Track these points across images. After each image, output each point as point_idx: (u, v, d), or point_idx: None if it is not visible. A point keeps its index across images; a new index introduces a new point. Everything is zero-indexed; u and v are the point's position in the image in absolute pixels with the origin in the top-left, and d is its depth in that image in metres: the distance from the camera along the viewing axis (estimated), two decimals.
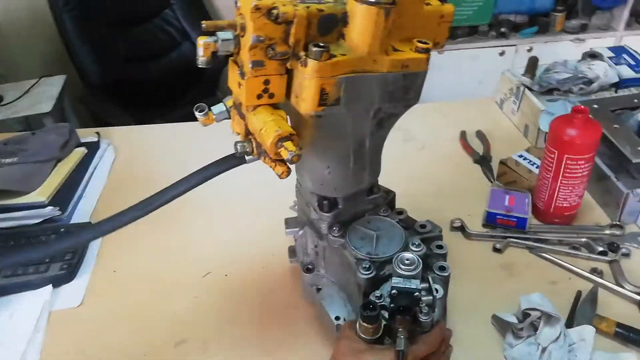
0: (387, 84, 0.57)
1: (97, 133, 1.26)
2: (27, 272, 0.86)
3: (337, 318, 0.68)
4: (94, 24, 1.81)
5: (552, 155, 0.84)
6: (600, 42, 2.07)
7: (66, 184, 1.07)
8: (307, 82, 0.51)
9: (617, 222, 0.89)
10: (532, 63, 1.16)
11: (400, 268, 0.59)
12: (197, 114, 0.60)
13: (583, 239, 0.87)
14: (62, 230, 0.94)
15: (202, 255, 0.91)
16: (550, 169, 0.85)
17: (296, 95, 0.54)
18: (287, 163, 0.52)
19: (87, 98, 1.76)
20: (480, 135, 1.16)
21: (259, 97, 0.53)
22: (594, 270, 0.82)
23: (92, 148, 1.19)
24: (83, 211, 1.03)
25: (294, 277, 0.83)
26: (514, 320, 0.72)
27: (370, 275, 0.62)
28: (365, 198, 0.70)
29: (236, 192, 1.01)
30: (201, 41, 0.50)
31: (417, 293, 0.58)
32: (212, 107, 0.60)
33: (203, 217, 0.99)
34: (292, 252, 0.80)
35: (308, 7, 0.50)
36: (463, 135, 1.16)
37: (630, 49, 1.16)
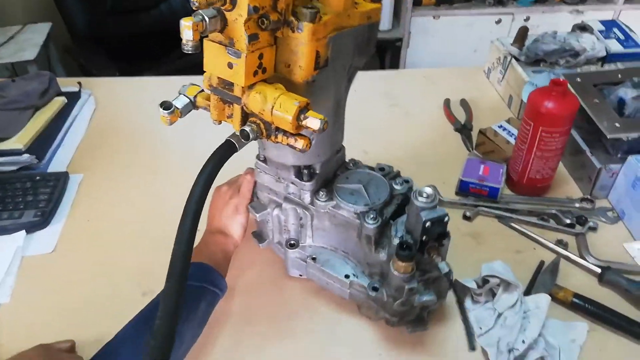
0: (357, 37, 0.58)
1: (79, 83, 1.24)
2: (2, 218, 0.86)
3: (347, 276, 0.69)
4: None
5: (528, 127, 0.84)
6: (599, 15, 2.03)
7: (44, 132, 1.07)
8: (303, 47, 0.50)
9: (588, 197, 0.90)
10: (522, 33, 1.14)
11: (420, 201, 0.60)
12: (163, 112, 0.55)
13: (552, 211, 0.88)
14: (37, 178, 0.94)
15: (175, 210, 0.91)
16: (525, 140, 0.85)
17: (287, 65, 0.52)
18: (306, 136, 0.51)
19: (73, 48, 1.73)
20: (464, 104, 1.15)
21: (255, 74, 0.50)
22: (559, 242, 0.83)
23: (73, 98, 1.18)
24: (60, 160, 1.03)
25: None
26: (473, 285, 0.73)
27: (379, 224, 0.63)
28: (334, 157, 0.70)
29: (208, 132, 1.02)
30: (188, 22, 0.43)
31: (446, 218, 0.60)
32: (173, 101, 0.57)
33: (178, 172, 0.99)
34: (259, 236, 0.78)
35: None
36: (447, 103, 1.16)
37: (622, 23, 1.14)
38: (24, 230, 0.85)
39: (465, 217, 0.89)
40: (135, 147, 1.07)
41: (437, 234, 0.61)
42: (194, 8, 0.44)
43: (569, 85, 0.81)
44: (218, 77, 0.52)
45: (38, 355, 0.60)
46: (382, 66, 2.24)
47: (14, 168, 0.98)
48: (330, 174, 0.71)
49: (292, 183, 0.69)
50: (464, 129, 1.08)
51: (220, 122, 0.56)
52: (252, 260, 0.81)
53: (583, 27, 1.10)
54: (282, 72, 0.53)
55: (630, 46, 1.05)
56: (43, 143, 1.04)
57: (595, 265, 0.79)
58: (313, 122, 0.49)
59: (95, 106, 1.19)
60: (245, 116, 0.53)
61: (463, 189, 0.91)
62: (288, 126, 0.49)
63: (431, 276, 0.64)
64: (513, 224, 0.87)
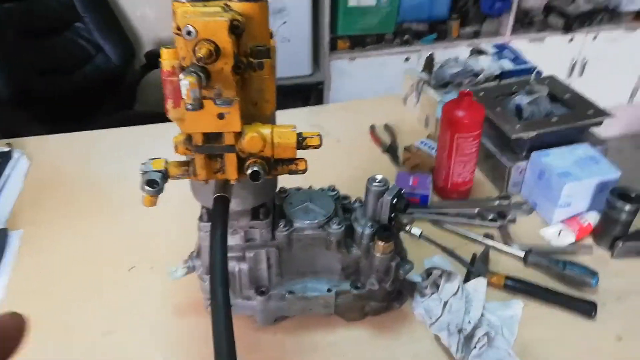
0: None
1: (9, 144, 1.22)
2: None
3: (329, 290, 0.73)
4: (1, 39, 1.74)
5: (445, 136, 0.95)
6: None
7: None
8: (268, 81, 0.53)
9: (504, 194, 1.02)
10: (429, 61, 1.29)
11: (377, 186, 0.69)
12: (149, 190, 0.55)
13: (476, 210, 0.98)
14: None
15: (120, 250, 0.93)
16: (445, 147, 0.96)
17: (254, 103, 0.55)
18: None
19: None
20: (387, 128, 1.27)
21: (241, 117, 0.52)
22: (486, 235, 0.93)
23: (4, 157, 1.16)
24: None
25: None
26: (419, 279, 0.80)
27: (343, 227, 0.70)
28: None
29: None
30: (186, 81, 0.45)
31: (402, 190, 0.70)
32: (151, 186, 0.55)
33: (116, 215, 1.01)
34: None
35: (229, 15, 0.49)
36: (372, 128, 1.26)
37: (511, 47, 1.32)
38: None
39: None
40: (73, 198, 1.06)
41: (403, 206, 0.70)
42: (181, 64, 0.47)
43: (474, 98, 0.93)
44: (202, 135, 0.53)
45: None
46: None
47: None
48: (274, 209, 0.74)
49: (251, 227, 0.70)
50: (390, 149, 1.18)
51: (207, 181, 0.57)
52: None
53: (479, 51, 1.26)
54: (251, 112, 0.56)
55: (520, 64, 1.23)
56: None
57: (519, 250, 0.89)
58: (314, 140, 0.54)
59: (29, 163, 1.17)
60: (240, 161, 0.55)
61: None
62: (291, 153, 0.53)
63: (399, 249, 0.74)
64: (445, 226, 0.96)
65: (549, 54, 2.37)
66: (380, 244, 0.69)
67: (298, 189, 0.78)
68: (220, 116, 0.51)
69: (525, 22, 2.39)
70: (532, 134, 0.96)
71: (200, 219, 0.70)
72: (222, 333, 0.44)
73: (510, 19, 2.30)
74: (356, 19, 2.13)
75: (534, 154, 0.97)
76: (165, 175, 0.56)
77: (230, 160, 0.54)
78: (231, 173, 0.55)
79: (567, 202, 0.92)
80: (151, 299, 0.83)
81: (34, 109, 1.71)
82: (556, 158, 0.95)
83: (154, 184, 0.54)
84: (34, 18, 1.85)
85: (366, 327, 0.78)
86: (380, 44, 2.25)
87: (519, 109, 1.03)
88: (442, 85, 1.22)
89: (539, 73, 1.18)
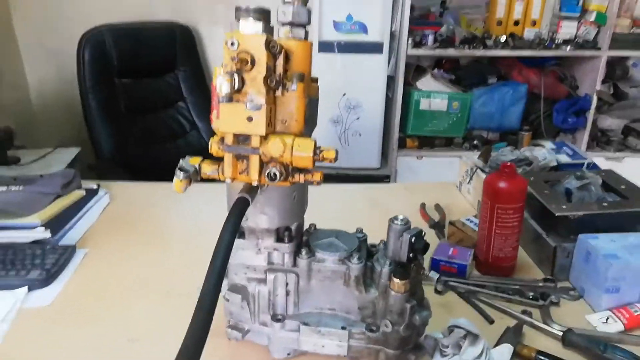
0: (312, 106, 0.70)
1: (98, 184, 1.40)
2: (9, 275, 0.94)
3: (344, 328, 0.74)
4: (114, 107, 2.06)
5: (486, 206, 0.96)
6: None
7: (61, 214, 1.19)
8: (298, 102, 0.62)
9: (550, 277, 0.97)
10: (486, 150, 1.33)
11: (398, 225, 0.71)
12: (179, 174, 0.61)
13: (517, 287, 0.95)
14: (47, 247, 1.04)
15: (166, 275, 1.00)
16: (485, 218, 0.97)
17: (283, 121, 0.63)
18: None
19: (96, 165, 1.94)
20: (438, 207, 1.29)
21: (269, 125, 0.60)
22: (524, 312, 0.89)
23: (91, 193, 1.33)
24: (70, 238, 1.13)
25: None
26: (440, 336, 0.78)
27: (363, 263, 0.72)
28: (302, 221, 0.78)
29: (199, 222, 1.19)
30: (221, 78, 0.55)
31: (422, 232, 0.72)
32: (182, 170, 0.62)
33: (174, 251, 1.11)
34: (237, 327, 0.79)
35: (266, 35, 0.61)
36: (422, 206, 1.29)
37: (571, 144, 1.33)
38: (26, 287, 0.93)
39: (437, 291, 0.95)
40: (135, 231, 1.19)
41: (422, 246, 0.71)
42: (223, 71, 0.56)
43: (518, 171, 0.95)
44: (234, 135, 0.61)
45: None
46: None
47: (28, 240, 1.08)
48: (299, 237, 0.78)
49: (275, 249, 0.74)
50: (437, 225, 1.19)
51: (233, 180, 0.63)
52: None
53: (536, 144, 1.29)
54: (280, 129, 0.64)
55: (578, 158, 1.23)
56: (58, 222, 1.15)
57: (558, 330, 0.84)
58: (329, 153, 0.60)
59: (109, 201, 1.33)
60: (262, 165, 0.62)
61: (434, 267, 1.00)
62: (308, 162, 0.60)
63: (418, 296, 0.73)
64: (481, 298, 0.93)
65: (628, 175, 2.29)
66: (396, 280, 0.69)
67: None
68: (249, 119, 0.59)
69: (602, 141, 2.37)
70: (579, 213, 0.94)
71: None
72: (202, 318, 0.50)
73: (585, 136, 2.29)
74: (426, 121, 2.26)
75: (581, 236, 0.94)
76: (198, 171, 0.64)
77: (254, 162, 0.61)
78: (253, 174, 0.62)
79: (615, 286, 0.87)
80: (181, 318, 0.86)
81: (129, 167, 1.94)
82: (605, 241, 0.91)
83: (184, 170, 0.62)
84: (145, 94, 2.18)
85: None
86: (449, 147, 2.32)
87: (568, 192, 1.02)
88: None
89: (595, 166, 1.17)
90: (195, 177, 0.64)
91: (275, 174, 0.61)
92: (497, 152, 1.28)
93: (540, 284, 0.96)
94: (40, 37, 2.44)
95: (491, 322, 0.86)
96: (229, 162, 0.62)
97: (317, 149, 0.61)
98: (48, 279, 0.95)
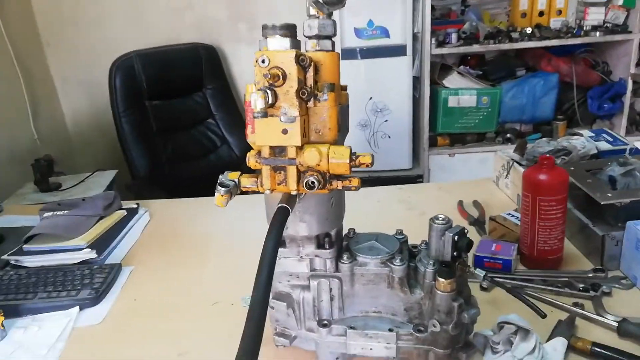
0: (344, 113, 0.71)
1: (137, 204, 1.44)
2: (60, 296, 0.98)
3: (391, 330, 0.73)
4: (146, 128, 2.12)
5: (527, 200, 0.94)
6: None
7: (105, 235, 1.23)
8: (330, 111, 0.63)
9: (600, 267, 0.94)
10: (522, 143, 1.30)
11: (439, 224, 0.70)
12: (220, 189, 0.63)
13: (565, 279, 0.92)
14: (95, 267, 1.07)
15: (210, 288, 1.01)
16: (527, 212, 0.94)
17: (317, 131, 0.64)
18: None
19: (133, 186, 1.99)
20: (476, 203, 1.27)
21: (303, 136, 0.61)
22: (575, 304, 0.86)
23: (132, 212, 1.37)
24: (116, 257, 1.16)
25: None
26: (490, 333, 0.76)
27: (406, 264, 0.72)
28: (341, 227, 0.79)
29: (238, 233, 1.19)
30: (255, 95, 0.56)
31: (465, 230, 0.70)
32: (223, 186, 0.64)
33: (216, 267, 1.12)
34: (284, 335, 0.79)
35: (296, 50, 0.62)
36: (460, 203, 1.27)
37: (610, 131, 1.29)
38: (77, 306, 0.96)
39: (482, 289, 0.93)
40: (177, 247, 1.21)
41: (466, 244, 0.70)
42: (256, 88, 0.58)
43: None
44: (270, 148, 0.62)
45: None
46: None
47: (77, 261, 1.11)
48: (339, 243, 0.78)
49: (316, 256, 0.74)
50: (477, 222, 1.17)
51: (272, 191, 0.65)
52: None
53: (574, 133, 1.25)
54: (314, 138, 0.65)
55: (618, 144, 1.19)
56: (103, 243, 1.19)
57: (614, 320, 0.81)
58: (365, 158, 0.61)
59: (150, 219, 1.36)
60: (299, 174, 0.63)
61: (478, 264, 0.98)
62: (345, 169, 0.60)
63: (465, 294, 0.72)
64: (529, 292, 0.91)
65: None
66: (442, 280, 0.68)
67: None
68: (284, 132, 0.60)
69: None
70: (626, 201, 0.91)
71: None
72: (253, 328, 0.49)
73: (623, 121, 2.22)
74: (456, 118, 2.23)
75: (629, 223, 0.90)
76: (237, 185, 0.65)
77: (291, 172, 0.62)
78: (291, 184, 0.63)
79: None
80: (228, 329, 0.88)
81: (165, 185, 1.99)
82: None
83: (225, 186, 0.63)
84: (175, 114, 2.23)
85: None
86: (481, 142, 2.28)
87: (612, 180, 0.99)
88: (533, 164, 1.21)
89: (637, 150, 1.13)
90: (236, 191, 0.65)
91: (313, 183, 0.62)
92: (532, 144, 1.26)
93: (590, 275, 0.93)
94: (73, 69, 2.55)
95: (543, 316, 0.84)
96: (267, 174, 0.63)
97: (352, 155, 0.62)
98: (98, 297, 0.98)
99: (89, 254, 1.13)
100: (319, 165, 0.62)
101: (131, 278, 1.07)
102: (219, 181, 0.64)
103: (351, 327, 0.75)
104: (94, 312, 0.96)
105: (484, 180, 1.42)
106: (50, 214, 1.25)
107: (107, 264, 1.12)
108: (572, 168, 1.06)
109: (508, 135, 2.23)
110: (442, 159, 2.27)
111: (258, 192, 0.66)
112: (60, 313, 0.95)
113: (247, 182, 0.66)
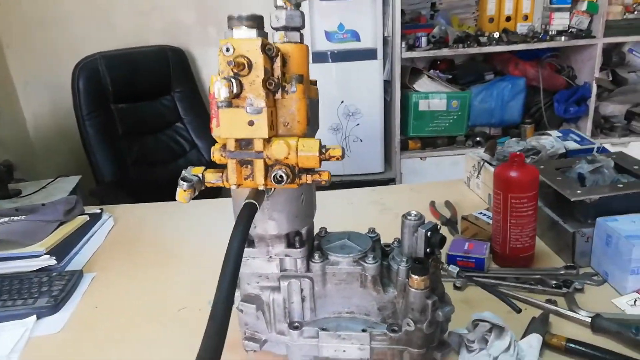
0: (313, 107, 0.68)
1: (101, 209, 1.38)
2: (16, 304, 0.92)
3: (364, 330, 0.71)
4: (112, 132, 2.05)
5: (499, 197, 0.93)
6: None
7: (65, 241, 1.17)
8: (299, 103, 0.60)
9: (571, 264, 0.94)
10: (491, 144, 1.31)
11: (412, 220, 0.68)
12: (183, 184, 0.59)
13: (538, 276, 0.92)
14: (54, 274, 1.01)
15: (177, 293, 0.97)
16: (499, 210, 0.94)
17: (285, 124, 0.62)
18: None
19: (97, 191, 1.92)
20: (448, 204, 1.26)
21: (271, 128, 0.58)
22: (548, 301, 0.86)
23: (95, 218, 1.31)
24: (77, 263, 1.11)
25: None
26: (465, 332, 0.75)
27: (379, 262, 0.70)
28: (311, 225, 0.76)
29: (206, 238, 1.16)
30: (219, 83, 0.54)
31: (438, 225, 0.69)
32: (185, 180, 0.60)
33: (182, 272, 1.07)
34: (254, 339, 0.76)
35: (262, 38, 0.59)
36: (432, 204, 1.27)
37: (577, 131, 1.31)
38: (35, 315, 0.90)
39: (456, 287, 0.92)
40: (141, 253, 1.16)
41: (439, 239, 0.68)
42: (220, 77, 0.55)
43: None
44: (235, 141, 0.59)
45: None
46: None
47: (35, 268, 1.05)
48: (311, 242, 0.76)
49: (286, 255, 0.72)
50: (449, 222, 1.17)
51: (239, 186, 0.61)
52: None
53: (542, 133, 1.27)
54: (282, 132, 0.62)
55: (586, 144, 1.20)
56: (63, 249, 1.13)
57: (586, 316, 0.80)
58: (335, 150, 0.58)
59: (114, 224, 1.31)
60: (267, 168, 0.60)
61: (450, 263, 0.97)
62: (314, 162, 0.58)
63: (439, 291, 0.71)
64: (502, 290, 0.90)
65: None
66: (415, 277, 0.67)
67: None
68: (251, 123, 0.57)
69: (605, 127, 2.35)
70: (595, 197, 0.91)
71: None
72: (216, 326, 0.47)
73: (589, 124, 2.27)
74: (427, 122, 2.24)
75: (599, 220, 0.91)
76: (202, 180, 0.62)
77: (258, 166, 0.60)
78: (259, 178, 0.60)
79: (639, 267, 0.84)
80: (195, 335, 0.84)
81: (131, 190, 1.92)
82: (625, 223, 0.88)
83: (187, 180, 0.60)
84: (142, 118, 2.17)
85: None
86: (452, 146, 2.30)
87: (581, 177, 1.00)
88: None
89: (605, 149, 1.15)
90: (200, 186, 0.62)
91: (281, 176, 0.59)
92: (502, 145, 1.26)
93: (562, 272, 0.93)
94: (34, 71, 2.46)
95: (518, 311, 0.82)
96: (233, 169, 0.60)
97: (322, 148, 0.59)
98: (56, 305, 0.93)
99: (48, 261, 1.07)
100: (287, 158, 0.59)
101: (93, 285, 1.02)
102: (181, 176, 0.61)
103: (323, 329, 0.72)
104: (52, 321, 0.90)
105: (455, 182, 1.42)
106: (6, 219, 1.19)
107: (67, 270, 1.06)
108: (542, 166, 1.07)
109: (478, 138, 2.26)
110: (413, 163, 2.28)
111: (228, 196, 0.64)
112: (16, 322, 0.89)
113: (211, 177, 0.63)
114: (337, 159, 0.60)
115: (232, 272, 0.51)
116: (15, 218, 1.18)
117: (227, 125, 0.59)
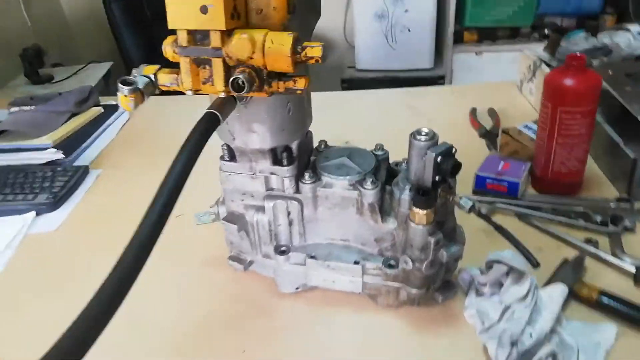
0: None
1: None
2: (17, 199, 0.90)
3: (357, 262, 0.62)
4: (139, 13, 1.93)
5: (547, 110, 0.77)
6: None
7: (76, 134, 1.13)
8: None
9: (626, 196, 0.79)
10: (554, 39, 1.09)
11: (421, 140, 0.56)
12: (123, 88, 0.49)
13: (581, 209, 0.78)
14: (58, 169, 0.98)
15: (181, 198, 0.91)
16: (545, 125, 0.78)
17: (258, 11, 0.49)
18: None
19: None
20: (491, 112, 1.09)
21: (232, 17, 0.46)
22: (588, 241, 0.73)
23: (110, 110, 1.25)
24: (86, 158, 1.07)
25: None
26: (476, 272, 0.64)
27: (378, 187, 0.59)
28: (306, 139, 0.66)
29: None
30: None
31: (453, 149, 0.57)
32: (125, 84, 0.49)
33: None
34: (238, 259, 0.70)
35: None
36: (473, 111, 1.10)
37: None
38: (34, 212, 0.88)
39: (480, 215, 0.80)
40: (151, 151, 1.10)
41: (451, 167, 0.56)
42: None
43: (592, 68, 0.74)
44: (188, 33, 0.47)
45: None
46: None
47: (40, 162, 1.02)
48: (305, 158, 0.66)
49: (272, 173, 0.62)
50: (489, 134, 1.01)
51: (196, 92, 0.51)
52: (232, 292, 0.70)
53: (620, 28, 1.03)
54: (255, 21, 0.50)
55: None
56: (72, 143, 1.09)
57: (630, 263, 0.67)
58: (314, 50, 0.45)
59: (129, 117, 1.25)
60: (228, 70, 0.49)
61: (480, 185, 0.84)
62: (286, 63, 0.46)
63: (448, 227, 0.60)
64: (535, 222, 0.77)
65: None
66: (416, 211, 0.56)
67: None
68: (203, 9, 0.44)
69: None
70: None
71: (222, 157, 0.64)
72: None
73: None
74: (487, 9, 1.93)
75: None
76: (154, 82, 0.51)
77: (217, 67, 0.47)
78: (218, 83, 0.48)
79: None
80: (188, 244, 0.79)
81: None
82: None
83: (128, 83, 0.49)
84: None
85: (400, 317, 0.64)
86: (515, 39, 2.01)
87: None
88: None
89: None
90: (151, 89, 0.51)
91: (242, 82, 0.46)
92: (568, 40, 1.04)
93: (613, 205, 0.78)
94: None
95: (535, 265, 0.71)
96: (187, 69, 0.49)
97: (297, 45, 0.46)
98: (56, 202, 0.90)
99: (55, 155, 1.04)
100: (251, 58, 0.47)
101: (98, 183, 0.98)
102: (122, 78, 0.50)
103: (312, 257, 0.64)
104: (50, 218, 0.88)
105: (506, 84, 1.23)
106: (16, 109, 1.15)
107: (73, 166, 1.03)
108: (610, 71, 0.87)
109: (546, 31, 1.94)
110: (468, 58, 2.01)
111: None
112: (15, 218, 0.87)
113: (165, 78, 0.51)
114: (317, 61, 0.47)
115: (168, 194, 0.42)
116: (25, 108, 1.14)
117: (175, 11, 0.46)
